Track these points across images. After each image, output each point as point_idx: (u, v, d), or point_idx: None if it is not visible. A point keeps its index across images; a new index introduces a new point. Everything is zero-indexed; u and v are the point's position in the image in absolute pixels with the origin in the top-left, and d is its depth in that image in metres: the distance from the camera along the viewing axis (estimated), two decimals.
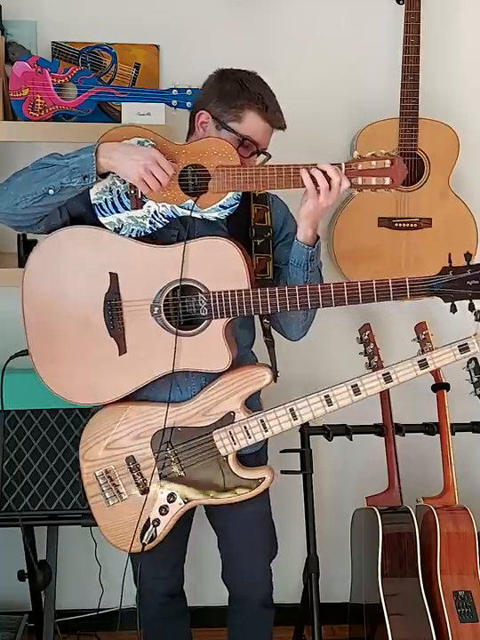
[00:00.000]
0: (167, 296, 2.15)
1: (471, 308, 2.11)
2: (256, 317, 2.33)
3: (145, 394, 2.24)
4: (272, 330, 2.33)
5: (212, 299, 2.12)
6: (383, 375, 2.17)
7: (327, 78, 2.96)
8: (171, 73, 2.85)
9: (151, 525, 2.23)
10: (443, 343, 2.80)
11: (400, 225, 2.87)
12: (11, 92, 2.62)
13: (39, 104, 2.62)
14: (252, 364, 2.26)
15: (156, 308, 2.15)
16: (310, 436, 2.83)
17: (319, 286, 2.11)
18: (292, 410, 2.18)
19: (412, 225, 2.87)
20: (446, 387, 2.82)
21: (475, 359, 2.88)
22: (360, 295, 2.10)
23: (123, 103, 2.68)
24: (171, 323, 2.16)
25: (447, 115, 2.91)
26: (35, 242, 2.66)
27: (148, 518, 2.23)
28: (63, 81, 2.63)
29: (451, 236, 2.86)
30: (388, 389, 2.80)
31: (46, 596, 2.70)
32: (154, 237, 2.18)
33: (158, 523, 2.23)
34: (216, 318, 2.13)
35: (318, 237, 2.20)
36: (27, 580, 2.67)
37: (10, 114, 2.66)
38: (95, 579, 2.91)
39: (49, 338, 2.22)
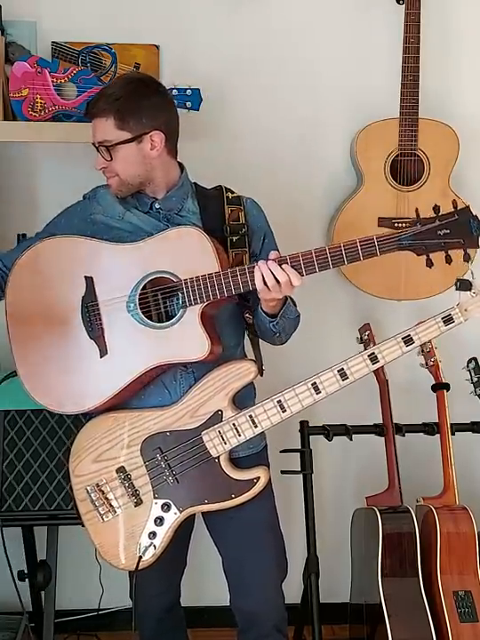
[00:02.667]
0: (142, 290, 2.15)
1: (448, 260, 2.05)
2: (240, 316, 2.30)
3: (135, 402, 2.22)
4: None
5: (184, 286, 2.12)
6: (369, 356, 2.12)
7: (327, 78, 2.96)
8: (171, 73, 2.85)
9: (148, 538, 2.17)
10: (443, 344, 2.82)
11: (400, 225, 2.87)
12: (10, 92, 2.62)
13: (39, 104, 2.62)
14: (236, 359, 2.22)
15: (132, 305, 2.16)
16: (310, 436, 2.84)
17: (288, 257, 2.08)
18: (279, 402, 2.14)
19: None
20: (446, 387, 2.82)
21: (475, 359, 2.88)
22: (330, 260, 2.06)
23: None
24: (147, 317, 2.16)
25: (447, 115, 2.91)
26: None
27: (146, 531, 2.17)
28: (63, 81, 2.63)
29: None
30: (387, 390, 2.82)
31: (46, 596, 2.70)
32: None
33: (155, 535, 2.17)
34: (191, 305, 2.12)
35: (285, 301, 2.18)
36: (27, 579, 2.67)
37: (10, 114, 2.65)
38: (95, 579, 2.90)
39: (33, 350, 2.23)
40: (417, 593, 2.63)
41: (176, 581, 2.45)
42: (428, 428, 2.87)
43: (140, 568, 2.17)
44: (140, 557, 2.17)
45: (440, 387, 2.82)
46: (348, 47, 2.95)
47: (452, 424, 2.81)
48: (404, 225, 2.87)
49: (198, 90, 2.67)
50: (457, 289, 2.07)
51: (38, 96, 2.62)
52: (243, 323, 2.31)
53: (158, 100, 2.20)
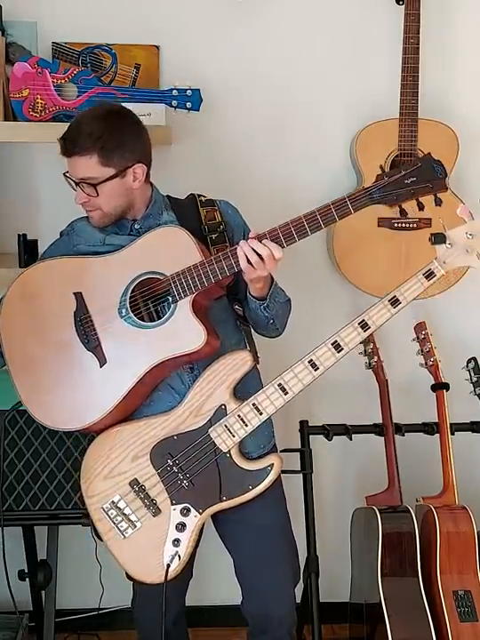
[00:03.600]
0: (132, 293, 2.17)
1: (420, 207, 2.10)
2: (232, 312, 2.31)
3: (145, 410, 2.22)
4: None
5: (171, 281, 2.14)
6: (359, 323, 2.14)
7: (327, 78, 2.96)
8: (171, 73, 2.85)
9: (172, 546, 2.15)
10: (443, 344, 2.82)
11: (400, 225, 2.87)
12: (11, 93, 2.62)
13: (39, 104, 2.63)
14: (230, 351, 2.21)
15: (124, 310, 2.17)
16: (310, 436, 2.84)
17: (267, 232, 2.11)
18: (280, 385, 2.14)
19: (411, 225, 2.87)
20: (446, 386, 2.82)
21: (474, 359, 2.89)
22: (308, 227, 2.09)
23: (123, 104, 2.67)
24: (140, 319, 2.17)
25: (447, 115, 2.91)
26: (36, 242, 2.68)
27: (169, 539, 2.16)
28: (63, 81, 2.63)
29: None
30: (387, 389, 2.82)
31: (46, 596, 2.70)
32: None
33: (179, 542, 2.16)
34: (181, 298, 2.14)
35: (272, 282, 2.20)
36: (27, 579, 2.67)
37: (10, 114, 2.66)
38: (95, 579, 2.91)
39: (30, 370, 2.24)
40: (417, 593, 2.64)
41: (183, 594, 2.44)
42: (428, 428, 2.88)
43: (169, 577, 2.15)
44: (169, 565, 2.15)
45: (440, 386, 2.82)
46: (348, 47, 2.95)
47: (451, 424, 2.81)
48: (403, 226, 2.88)
49: (198, 90, 2.67)
50: (432, 243, 2.11)
51: (39, 96, 2.62)
52: (238, 318, 2.33)
53: (135, 130, 2.21)
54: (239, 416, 2.15)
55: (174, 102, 2.65)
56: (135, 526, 2.18)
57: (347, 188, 2.99)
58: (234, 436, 2.15)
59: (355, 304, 3.05)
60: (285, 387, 2.15)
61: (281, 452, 2.73)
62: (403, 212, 2.15)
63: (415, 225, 2.87)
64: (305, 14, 2.93)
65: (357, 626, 2.80)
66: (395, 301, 2.12)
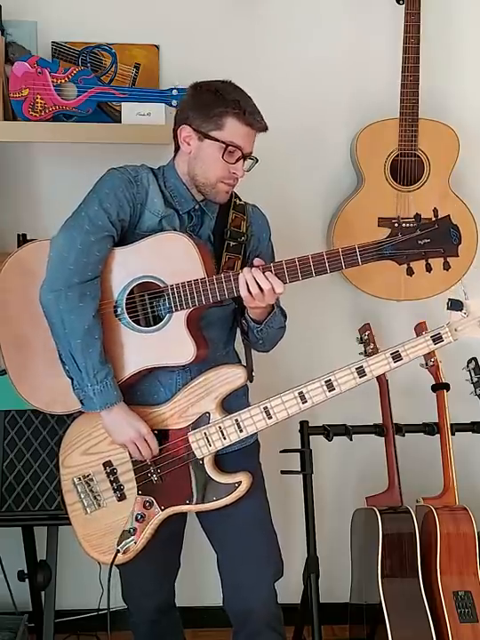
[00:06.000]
0: (129, 294, 2.16)
1: (428, 268, 2.08)
2: (231, 316, 2.32)
3: (128, 398, 2.22)
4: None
5: (170, 291, 2.13)
6: (356, 369, 2.13)
7: (327, 78, 2.96)
8: (171, 73, 2.85)
9: (128, 534, 2.19)
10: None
11: (400, 225, 2.85)
12: (11, 93, 2.62)
13: (39, 104, 2.62)
14: (227, 364, 2.24)
15: (119, 309, 2.17)
16: (310, 436, 2.83)
17: (272, 265, 2.11)
18: (266, 408, 2.15)
19: (412, 225, 2.86)
20: (446, 387, 2.82)
21: (475, 359, 2.88)
22: (313, 268, 2.09)
23: (123, 103, 2.68)
24: (134, 322, 2.16)
25: (447, 115, 2.91)
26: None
27: (125, 526, 2.20)
28: (63, 81, 2.63)
29: None
30: (387, 390, 2.82)
31: (46, 596, 2.70)
32: None
33: (134, 531, 2.19)
34: (176, 311, 2.14)
35: (271, 310, 2.21)
36: (27, 579, 2.67)
37: (10, 114, 2.66)
38: (95, 579, 2.89)
39: (23, 351, 2.24)
40: (417, 593, 2.63)
41: (169, 582, 2.45)
42: (428, 428, 2.87)
43: (117, 562, 2.20)
44: (118, 551, 2.19)
45: (440, 387, 2.82)
46: (348, 47, 2.96)
47: (452, 424, 2.81)
48: (404, 225, 2.87)
49: None
50: (448, 308, 2.10)
51: (38, 96, 2.62)
52: (232, 323, 2.33)
53: None
54: (220, 428, 2.17)
55: (174, 102, 2.65)
56: (99, 506, 2.23)
57: (347, 188, 2.99)
58: (210, 446, 2.18)
59: (355, 304, 3.05)
60: (271, 412, 2.16)
61: (281, 452, 2.75)
62: (410, 271, 2.11)
63: (415, 225, 2.86)
64: (305, 14, 2.93)
65: (357, 627, 2.80)
66: (397, 356, 2.12)
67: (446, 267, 2.07)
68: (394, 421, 2.82)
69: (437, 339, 2.10)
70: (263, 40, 2.93)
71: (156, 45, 2.88)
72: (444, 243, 2.06)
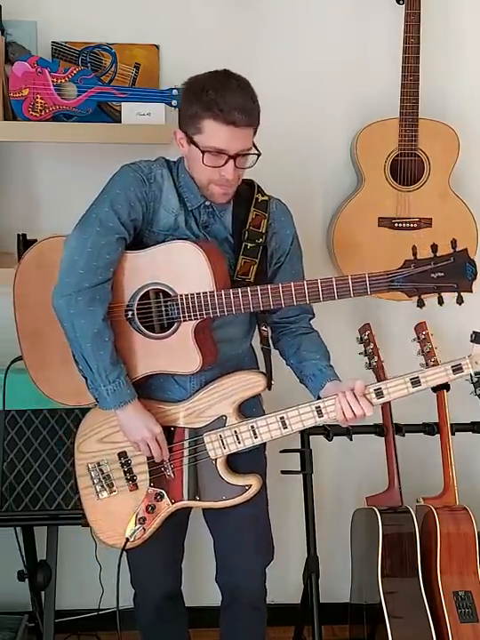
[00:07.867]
0: (140, 299, 2.16)
1: (440, 301, 2.06)
2: (250, 314, 2.29)
3: (144, 390, 2.23)
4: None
5: (179, 301, 2.13)
6: (375, 390, 2.15)
7: (327, 78, 2.96)
8: (171, 73, 2.85)
9: (137, 523, 2.25)
10: (442, 343, 2.81)
11: (400, 225, 2.87)
12: (11, 92, 2.62)
13: (39, 104, 2.62)
14: (248, 369, 2.27)
15: (130, 313, 2.17)
16: (310, 436, 2.84)
17: (280, 286, 2.10)
18: (282, 418, 2.19)
19: (411, 225, 2.86)
20: (446, 387, 2.81)
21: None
22: (321, 293, 2.08)
23: (123, 103, 2.68)
24: (144, 326, 2.17)
25: (447, 115, 2.91)
26: (35, 241, 2.67)
27: (136, 515, 2.25)
28: (63, 81, 2.63)
29: (450, 236, 2.83)
30: None
31: (46, 596, 2.69)
32: None
33: (144, 521, 2.25)
34: (185, 321, 2.13)
35: None
36: (27, 579, 2.67)
37: (10, 114, 2.65)
38: (95, 579, 2.91)
39: (40, 343, 2.27)
40: (417, 593, 2.63)
41: (175, 567, 2.46)
42: (428, 428, 2.87)
43: (125, 549, 2.25)
44: (128, 539, 2.24)
45: (440, 387, 2.82)
46: (348, 47, 2.95)
47: (452, 424, 2.81)
48: (403, 225, 2.87)
49: None
50: (471, 341, 2.09)
51: (39, 96, 2.62)
52: (250, 321, 2.32)
53: None
54: (236, 431, 2.20)
55: (174, 102, 2.65)
56: (111, 492, 2.27)
57: (347, 188, 2.99)
58: (224, 448, 2.21)
59: (355, 304, 3.04)
60: (287, 422, 2.19)
61: (281, 452, 2.74)
62: (420, 304, 2.08)
63: (415, 225, 2.86)
64: (305, 14, 2.93)
65: (358, 626, 2.80)
66: (416, 382, 2.13)
67: (459, 300, 2.04)
68: (394, 421, 2.82)
69: (457, 369, 2.12)
70: (263, 40, 2.92)
71: (156, 45, 2.88)
72: (459, 277, 2.02)
